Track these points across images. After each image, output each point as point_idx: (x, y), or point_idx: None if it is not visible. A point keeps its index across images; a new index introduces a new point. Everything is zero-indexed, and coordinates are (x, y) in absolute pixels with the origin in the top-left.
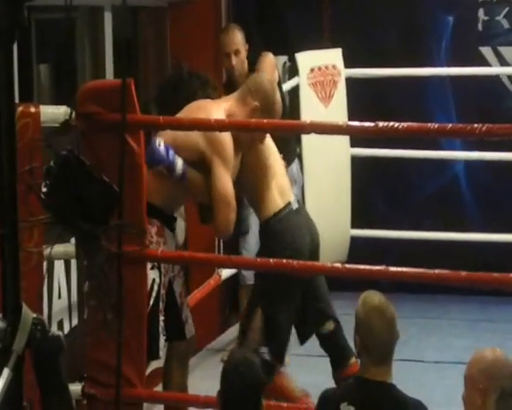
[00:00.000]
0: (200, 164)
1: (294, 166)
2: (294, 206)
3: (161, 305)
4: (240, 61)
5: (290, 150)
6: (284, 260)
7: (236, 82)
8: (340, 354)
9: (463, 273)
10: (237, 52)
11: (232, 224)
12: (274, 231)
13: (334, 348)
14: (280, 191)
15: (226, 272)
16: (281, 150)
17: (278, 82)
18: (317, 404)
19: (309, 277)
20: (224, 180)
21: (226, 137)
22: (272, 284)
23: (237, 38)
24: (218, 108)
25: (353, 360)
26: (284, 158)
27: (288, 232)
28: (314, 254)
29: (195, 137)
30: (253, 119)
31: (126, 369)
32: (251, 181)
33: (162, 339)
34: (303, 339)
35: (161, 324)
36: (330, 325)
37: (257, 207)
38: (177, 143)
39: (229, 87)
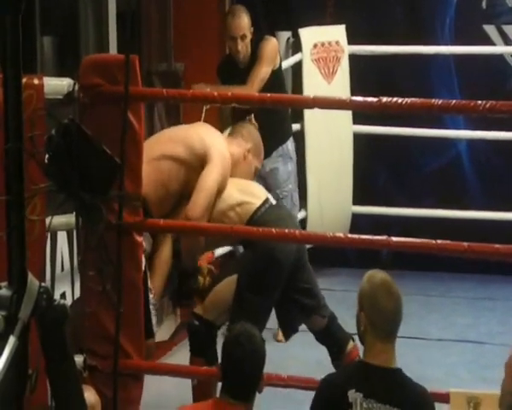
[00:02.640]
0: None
1: (289, 143)
2: (273, 202)
3: (149, 283)
4: (245, 46)
5: (285, 128)
6: (286, 230)
7: (239, 63)
8: (336, 345)
9: (465, 244)
10: (243, 37)
11: (204, 211)
12: (257, 225)
13: (330, 340)
14: (249, 194)
15: (219, 250)
16: (277, 128)
17: (279, 67)
18: (320, 389)
19: (294, 270)
20: (214, 180)
21: (229, 159)
22: (258, 267)
23: (244, 23)
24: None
25: (351, 345)
26: (280, 136)
27: (272, 224)
28: (301, 251)
29: (204, 137)
30: (246, 160)
31: (124, 341)
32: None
33: (154, 316)
34: (287, 336)
35: (151, 301)
36: (320, 321)
37: (231, 223)
38: (184, 135)
39: (227, 66)
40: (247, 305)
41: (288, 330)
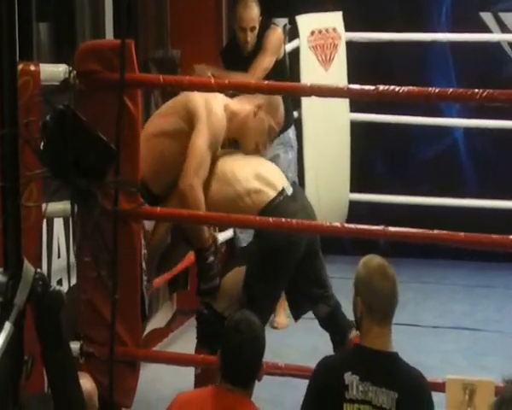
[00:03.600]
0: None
1: (290, 131)
2: (289, 191)
3: (144, 264)
4: (254, 36)
5: (287, 116)
6: (283, 219)
7: (244, 50)
8: (339, 332)
9: (462, 234)
10: (253, 28)
11: (195, 177)
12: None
13: (333, 327)
14: (265, 183)
15: (221, 237)
16: None
17: (283, 57)
18: (317, 372)
19: (305, 258)
20: (201, 144)
21: (221, 115)
22: (265, 256)
23: (254, 14)
24: (216, 99)
25: (353, 333)
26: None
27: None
28: (312, 239)
29: (188, 98)
30: (256, 117)
31: (120, 329)
32: (221, 191)
33: (147, 299)
34: (295, 318)
35: (145, 283)
36: (325, 309)
37: (243, 211)
38: (169, 106)
39: (231, 51)
40: (255, 294)
41: (296, 314)
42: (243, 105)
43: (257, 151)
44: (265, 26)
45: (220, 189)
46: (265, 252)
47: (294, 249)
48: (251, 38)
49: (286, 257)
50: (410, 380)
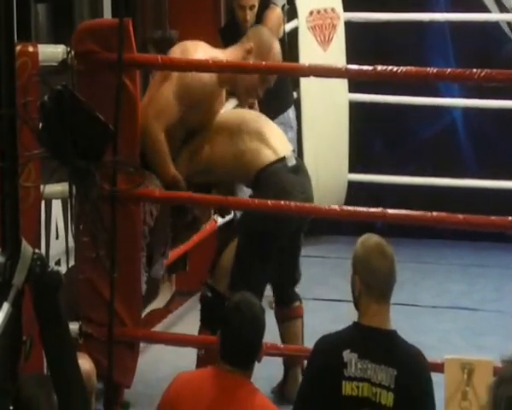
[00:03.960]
0: None
1: (290, 111)
2: (290, 162)
3: (143, 241)
4: (253, 15)
5: (286, 96)
6: (282, 202)
7: (244, 30)
8: (287, 293)
9: (460, 216)
10: (253, 7)
11: (153, 120)
12: (263, 184)
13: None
14: (268, 146)
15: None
16: (278, 96)
17: (283, 37)
18: (316, 350)
19: (293, 238)
20: (163, 92)
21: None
22: (254, 234)
23: None
24: (202, 50)
25: (298, 303)
26: (282, 104)
27: (278, 188)
28: (305, 218)
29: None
30: (246, 60)
31: (120, 310)
32: (224, 145)
33: (144, 275)
34: None
35: (143, 260)
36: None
37: (242, 168)
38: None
39: (231, 30)
40: (245, 266)
41: None
42: (232, 53)
43: (249, 97)
44: (264, 5)
45: (224, 143)
46: (256, 225)
47: (283, 223)
48: (250, 16)
49: (276, 234)
50: (409, 357)
